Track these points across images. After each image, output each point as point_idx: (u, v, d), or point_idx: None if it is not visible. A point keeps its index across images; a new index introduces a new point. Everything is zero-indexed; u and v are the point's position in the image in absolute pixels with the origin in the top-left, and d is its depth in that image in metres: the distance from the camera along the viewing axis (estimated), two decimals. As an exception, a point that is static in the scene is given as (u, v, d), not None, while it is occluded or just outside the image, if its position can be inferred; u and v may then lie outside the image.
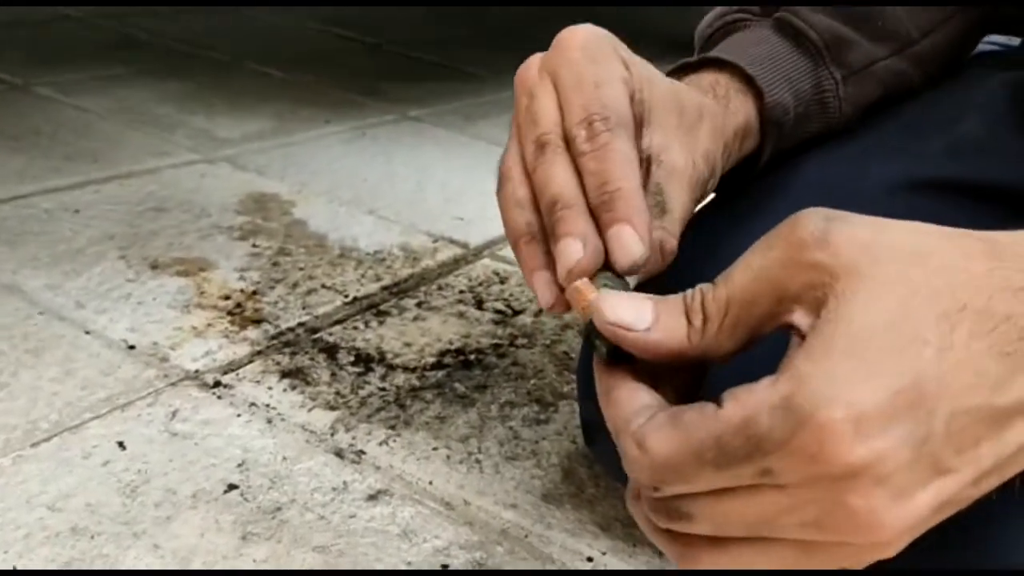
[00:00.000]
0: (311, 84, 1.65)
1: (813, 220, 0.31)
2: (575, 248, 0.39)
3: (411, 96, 1.65)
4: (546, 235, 0.41)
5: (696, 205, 0.47)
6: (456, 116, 1.58)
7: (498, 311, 0.95)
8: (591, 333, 0.35)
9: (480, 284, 1.00)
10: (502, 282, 1.02)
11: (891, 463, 0.28)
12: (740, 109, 0.52)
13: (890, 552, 0.30)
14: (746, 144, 0.53)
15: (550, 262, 0.40)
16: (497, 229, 1.14)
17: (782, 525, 0.30)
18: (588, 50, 0.43)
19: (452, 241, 1.10)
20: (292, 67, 1.72)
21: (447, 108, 1.62)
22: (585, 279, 0.38)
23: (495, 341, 0.89)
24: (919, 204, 0.57)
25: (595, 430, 0.65)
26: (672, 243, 0.42)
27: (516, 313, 0.95)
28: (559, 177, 0.41)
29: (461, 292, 0.98)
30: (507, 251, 1.09)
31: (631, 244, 0.39)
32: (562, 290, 0.39)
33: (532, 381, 0.83)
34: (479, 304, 0.96)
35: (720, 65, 0.54)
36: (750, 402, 0.30)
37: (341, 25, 2.09)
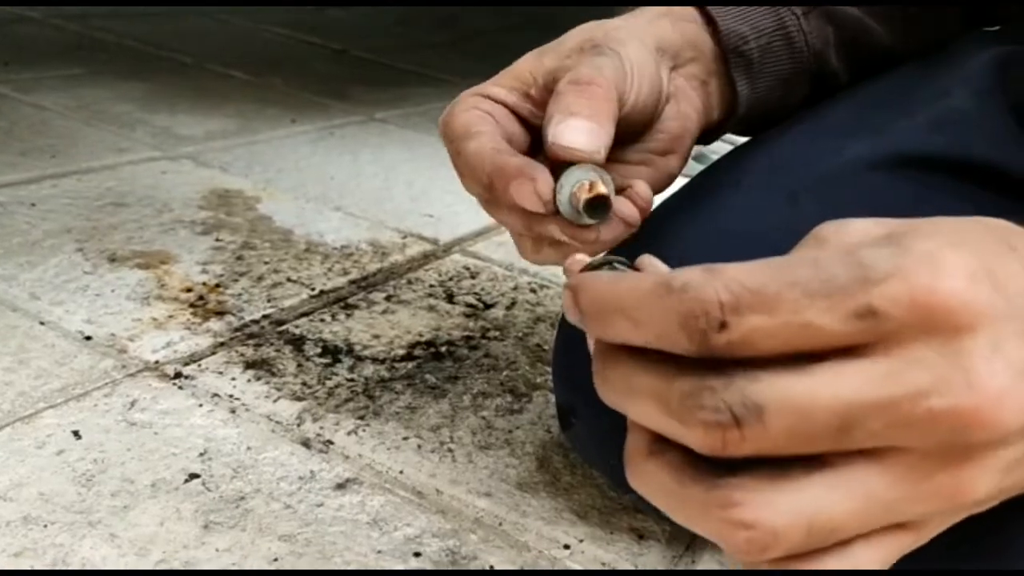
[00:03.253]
0: (276, 86, 1.63)
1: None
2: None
3: (378, 99, 1.63)
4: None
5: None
6: (423, 119, 1.57)
7: (469, 305, 0.93)
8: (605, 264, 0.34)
9: (451, 279, 0.98)
10: (473, 277, 1.00)
11: (1007, 327, 0.25)
12: (684, 30, 0.52)
13: (996, 459, 0.26)
14: (703, 65, 0.52)
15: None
16: (467, 226, 1.12)
17: (880, 405, 0.25)
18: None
19: (421, 237, 1.08)
20: (257, 70, 1.69)
21: (414, 111, 1.60)
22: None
23: (466, 333, 0.87)
24: (899, 183, 0.56)
25: (571, 415, 0.63)
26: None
27: (488, 307, 0.93)
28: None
29: (431, 286, 0.96)
30: (478, 247, 1.08)
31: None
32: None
33: (505, 372, 0.81)
34: (450, 298, 0.94)
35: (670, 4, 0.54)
36: (852, 233, 0.27)
37: (307, 31, 2.07)
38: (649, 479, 0.28)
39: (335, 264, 0.98)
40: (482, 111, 0.46)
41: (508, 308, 0.93)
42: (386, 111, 1.56)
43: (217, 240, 0.99)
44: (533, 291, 0.98)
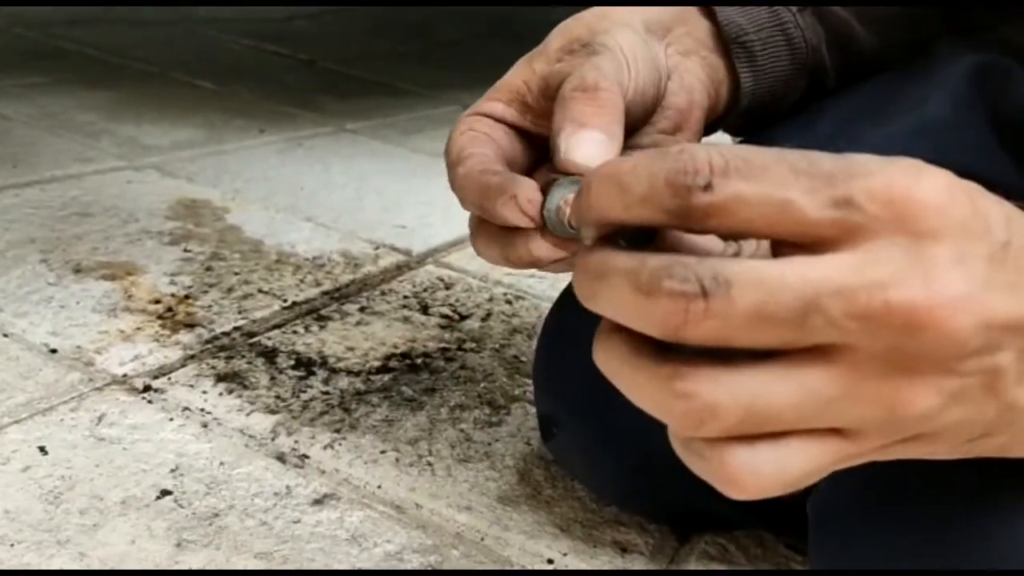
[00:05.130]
0: (244, 96, 1.61)
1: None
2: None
3: (347, 110, 1.61)
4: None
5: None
6: (393, 130, 1.55)
7: (444, 316, 0.92)
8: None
9: (425, 290, 0.97)
10: (447, 288, 0.98)
11: (976, 246, 0.26)
12: (673, 11, 0.52)
13: (959, 370, 0.26)
14: (694, 38, 0.52)
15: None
16: (440, 237, 1.11)
17: (841, 292, 0.25)
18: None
19: (394, 248, 1.07)
20: (224, 80, 1.67)
21: (384, 122, 1.59)
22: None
23: (442, 345, 0.86)
24: None
25: (553, 424, 0.62)
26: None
27: (463, 318, 0.92)
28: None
29: (405, 298, 0.95)
30: (452, 258, 1.06)
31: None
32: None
33: (482, 384, 0.80)
34: (424, 309, 0.93)
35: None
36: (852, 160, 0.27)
37: (274, 41, 2.05)
38: (610, 352, 0.28)
39: (307, 275, 0.96)
40: (477, 132, 0.45)
41: (484, 319, 0.92)
42: (356, 122, 1.55)
43: (185, 251, 0.97)
44: (508, 302, 0.97)
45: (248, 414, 0.71)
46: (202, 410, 0.70)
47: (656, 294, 0.26)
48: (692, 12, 0.52)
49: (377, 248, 1.06)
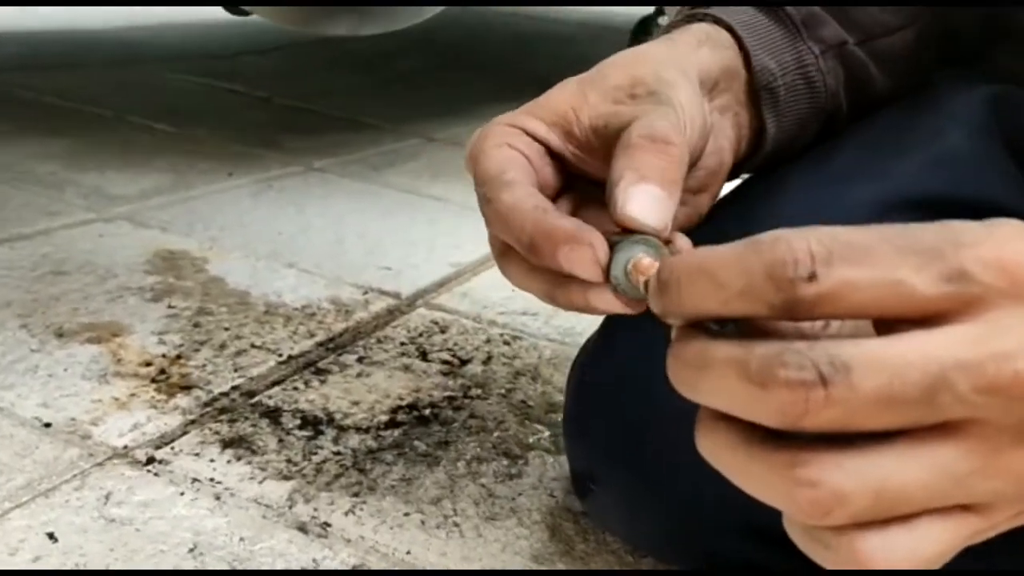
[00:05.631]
0: (205, 138, 1.57)
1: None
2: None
3: (312, 148, 1.58)
4: None
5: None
6: (362, 166, 1.53)
7: (445, 362, 0.89)
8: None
9: (420, 335, 0.95)
10: (443, 331, 0.96)
11: None
12: (722, 59, 0.51)
13: None
14: (734, 95, 0.51)
15: None
16: (427, 277, 1.09)
17: (968, 367, 0.24)
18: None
19: (383, 292, 1.04)
20: (182, 121, 1.63)
21: (351, 159, 1.56)
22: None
23: (448, 394, 0.83)
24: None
25: (589, 480, 0.60)
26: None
27: (464, 363, 0.90)
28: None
29: (402, 344, 0.92)
30: (442, 299, 1.04)
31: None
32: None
33: (496, 434, 0.78)
34: (423, 356, 0.90)
35: (701, 20, 0.53)
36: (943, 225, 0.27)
37: (226, 79, 2.01)
38: (718, 442, 0.27)
39: (299, 326, 0.93)
40: (515, 151, 0.43)
41: (485, 363, 0.90)
42: (323, 160, 1.52)
43: (170, 307, 0.93)
44: (507, 343, 0.95)
45: (261, 482, 0.68)
46: (212, 480, 0.67)
47: (771, 385, 0.25)
48: (737, 63, 0.51)
49: (366, 293, 1.03)
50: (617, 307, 0.39)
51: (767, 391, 0.25)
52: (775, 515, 0.28)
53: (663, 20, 1.91)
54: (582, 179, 0.46)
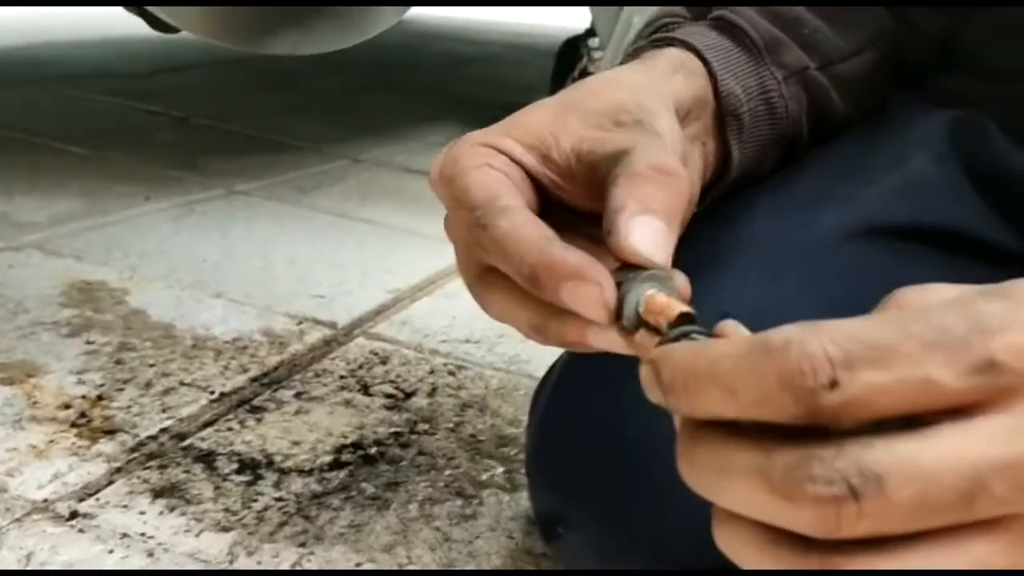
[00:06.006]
0: (120, 160, 1.49)
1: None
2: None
3: (233, 170, 1.52)
4: None
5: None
6: (287, 188, 1.47)
7: (388, 395, 0.85)
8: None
9: (360, 367, 0.90)
10: (384, 363, 0.92)
11: None
12: (694, 87, 0.49)
13: None
14: (703, 124, 0.49)
15: None
16: (362, 305, 1.04)
17: (1008, 465, 0.23)
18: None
19: (317, 321, 0.99)
20: (96, 143, 1.55)
21: (276, 181, 1.50)
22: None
23: (394, 429, 0.79)
24: (873, 255, 0.55)
25: (558, 524, 0.57)
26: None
27: (408, 395, 0.85)
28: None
29: (342, 377, 0.87)
30: (380, 328, 1.00)
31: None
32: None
33: (447, 471, 0.74)
34: (365, 389, 0.86)
35: (670, 44, 0.51)
36: (939, 294, 0.26)
37: (141, 99, 1.93)
38: (740, 542, 0.26)
39: (230, 361, 0.87)
40: (499, 172, 0.39)
41: (430, 395, 0.86)
42: (246, 183, 1.46)
43: (88, 343, 0.87)
44: (451, 374, 0.91)
45: (197, 534, 0.62)
46: (143, 535, 0.62)
47: (799, 500, 0.23)
48: (707, 92, 0.49)
49: (300, 323, 0.98)
50: (622, 349, 0.36)
51: (795, 506, 0.23)
52: None
53: (593, 42, 1.89)
54: (557, 206, 0.43)
